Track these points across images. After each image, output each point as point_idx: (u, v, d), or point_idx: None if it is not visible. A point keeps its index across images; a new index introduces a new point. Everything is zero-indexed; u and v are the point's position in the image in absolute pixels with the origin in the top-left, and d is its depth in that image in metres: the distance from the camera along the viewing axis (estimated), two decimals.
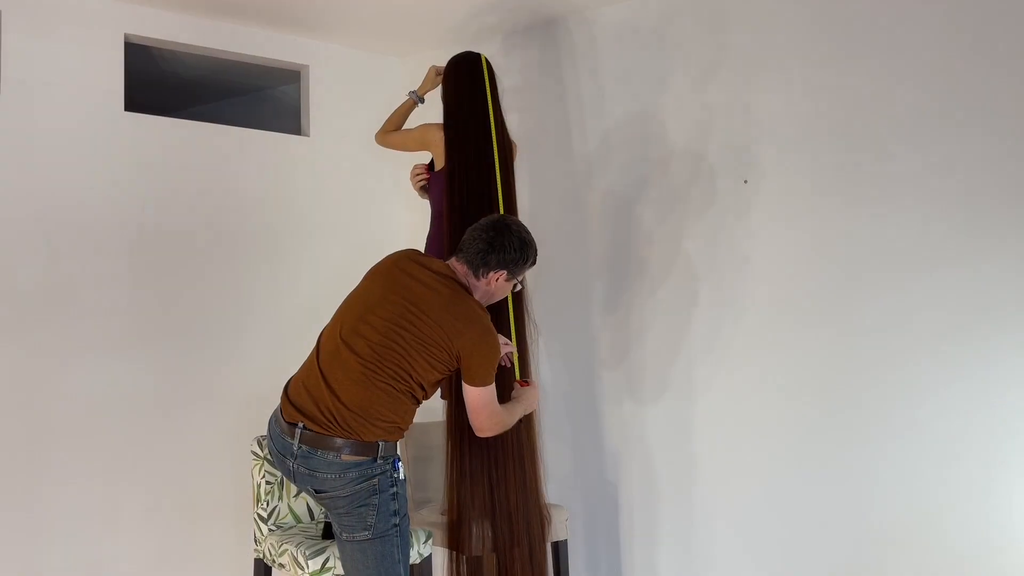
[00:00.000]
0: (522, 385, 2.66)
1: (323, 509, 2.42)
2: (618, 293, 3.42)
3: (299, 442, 2.16)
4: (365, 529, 2.16)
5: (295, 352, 3.51)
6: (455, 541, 2.69)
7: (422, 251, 2.61)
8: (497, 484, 2.71)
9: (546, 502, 2.86)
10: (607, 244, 3.46)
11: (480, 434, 2.38)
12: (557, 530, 2.85)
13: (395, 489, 2.20)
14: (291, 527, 2.65)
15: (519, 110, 3.54)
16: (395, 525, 2.19)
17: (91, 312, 3.13)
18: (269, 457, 2.65)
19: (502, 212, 2.81)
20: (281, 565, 2.49)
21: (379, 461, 2.17)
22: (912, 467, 2.82)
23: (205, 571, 3.29)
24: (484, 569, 2.77)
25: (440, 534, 2.74)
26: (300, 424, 2.17)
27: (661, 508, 3.27)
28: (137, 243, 3.25)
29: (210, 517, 3.32)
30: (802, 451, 3.02)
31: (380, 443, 2.17)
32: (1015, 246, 2.70)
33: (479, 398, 2.30)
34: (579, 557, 3.39)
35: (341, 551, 2.23)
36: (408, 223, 3.78)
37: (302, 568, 2.37)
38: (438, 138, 2.89)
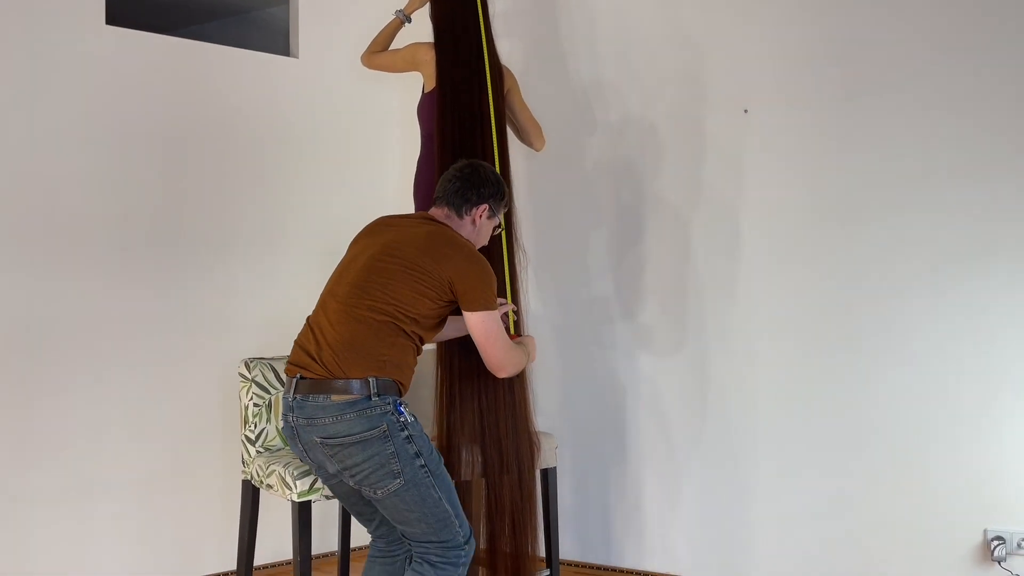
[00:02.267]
0: (517, 340, 2.63)
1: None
2: (612, 226, 3.38)
3: (294, 392, 2.13)
4: (393, 477, 2.08)
5: (284, 276, 3.53)
6: (445, 466, 2.69)
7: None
8: (487, 410, 2.70)
9: (535, 429, 2.86)
10: (602, 176, 3.40)
11: (500, 373, 2.32)
12: (546, 457, 2.85)
13: (407, 432, 2.11)
14: (279, 449, 2.65)
15: (508, 35, 3.44)
16: (422, 467, 2.11)
17: (75, 233, 3.08)
18: (260, 387, 2.64)
19: (495, 135, 2.75)
20: (269, 486, 2.49)
21: (375, 399, 2.08)
22: (904, 401, 2.83)
23: (195, 492, 3.30)
24: (473, 494, 2.78)
25: None
26: (296, 375, 2.16)
27: (650, 439, 3.28)
28: (120, 164, 3.17)
29: (199, 440, 3.32)
30: (797, 383, 3.02)
31: (371, 379, 2.09)
32: (1010, 180, 2.69)
33: (482, 325, 2.22)
34: (567, 485, 3.41)
35: (382, 508, 2.17)
36: (398, 145, 3.72)
37: (290, 488, 2.37)
38: (428, 58, 2.81)
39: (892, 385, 2.85)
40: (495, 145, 2.77)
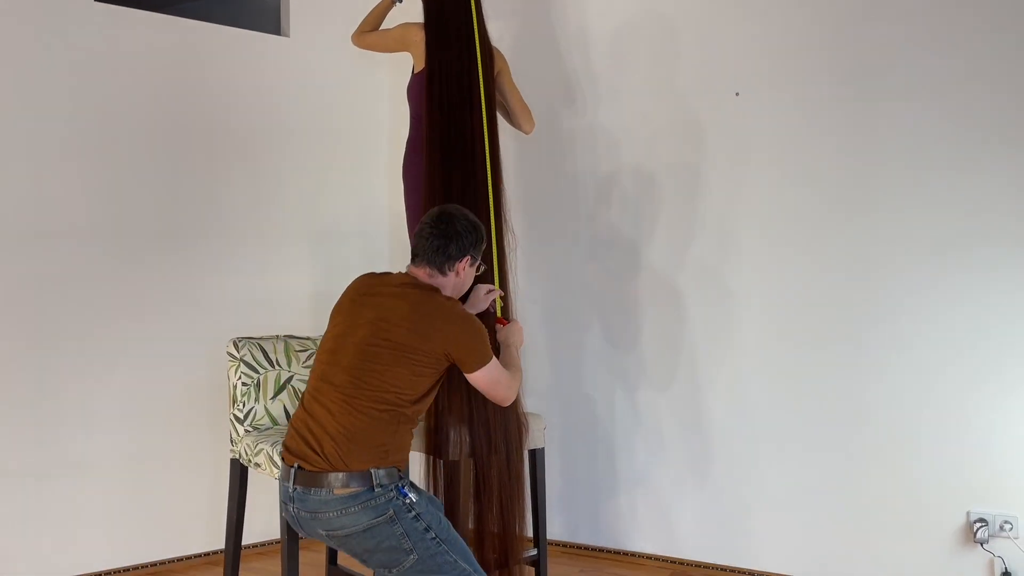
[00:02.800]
0: (503, 324, 2.64)
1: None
2: (604, 207, 3.38)
3: (292, 483, 2.10)
4: (407, 555, 2.08)
5: (275, 255, 3.53)
6: (433, 446, 2.70)
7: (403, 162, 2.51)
8: (475, 391, 2.70)
9: (524, 410, 2.87)
10: (592, 156, 3.39)
11: (506, 403, 2.37)
12: (534, 438, 2.86)
13: (414, 512, 2.10)
14: (267, 428, 2.65)
15: (499, 17, 3.42)
16: (433, 539, 2.10)
17: (62, 214, 3.07)
18: (246, 363, 2.64)
19: (484, 117, 2.74)
20: (257, 465, 2.49)
21: (378, 490, 2.06)
22: (891, 385, 2.85)
23: (185, 472, 3.31)
24: (461, 474, 2.79)
25: (418, 439, 2.74)
26: (295, 465, 2.12)
27: (639, 421, 3.30)
28: (108, 144, 3.16)
29: (190, 420, 3.33)
30: (785, 368, 3.04)
31: (372, 471, 2.07)
32: (1007, 155, 2.69)
33: (486, 377, 2.25)
34: (555, 467, 3.42)
35: None
36: (388, 125, 3.71)
37: (278, 467, 2.37)
38: (418, 38, 2.80)
39: (879, 370, 2.86)
40: (485, 127, 2.77)
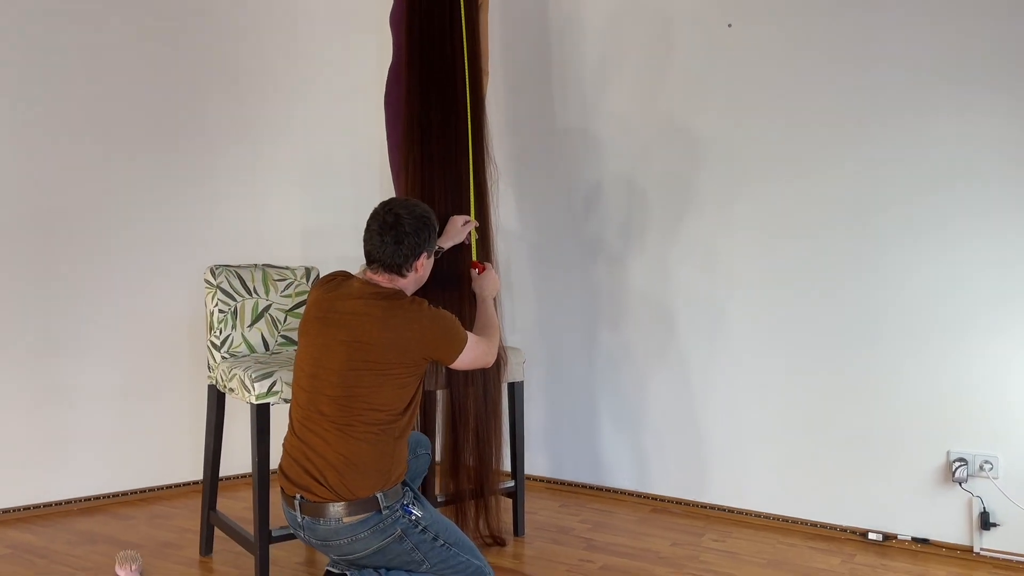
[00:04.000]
0: (480, 270, 2.61)
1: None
2: (590, 140, 3.32)
3: (300, 513, 2.13)
4: (419, 564, 2.16)
5: (264, 190, 3.51)
6: None
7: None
8: (451, 307, 2.70)
9: (502, 344, 2.86)
10: (582, 90, 3.33)
11: (489, 366, 2.41)
12: (513, 371, 2.86)
13: (421, 525, 2.15)
14: (244, 355, 2.66)
15: None
16: (442, 545, 2.17)
17: (51, 146, 3.07)
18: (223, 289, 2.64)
19: (465, 41, 2.69)
20: (231, 390, 2.51)
21: (384, 512, 2.10)
22: (874, 322, 2.81)
23: (172, 403, 3.35)
24: (438, 405, 2.80)
25: None
26: (298, 496, 2.13)
27: (622, 359, 3.29)
28: (96, 73, 3.15)
29: (179, 350, 3.36)
30: (766, 301, 3.00)
31: (378, 495, 2.10)
32: (1000, 98, 2.61)
33: (467, 359, 2.27)
34: (540, 405, 3.43)
35: None
36: (375, 51, 3.66)
37: (248, 391, 2.39)
38: None
39: (862, 310, 2.82)
40: (465, 53, 2.72)
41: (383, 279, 2.21)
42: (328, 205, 3.62)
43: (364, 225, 2.22)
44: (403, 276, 2.21)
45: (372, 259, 2.20)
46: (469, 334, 2.28)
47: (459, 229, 2.63)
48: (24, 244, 3.07)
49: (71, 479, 3.16)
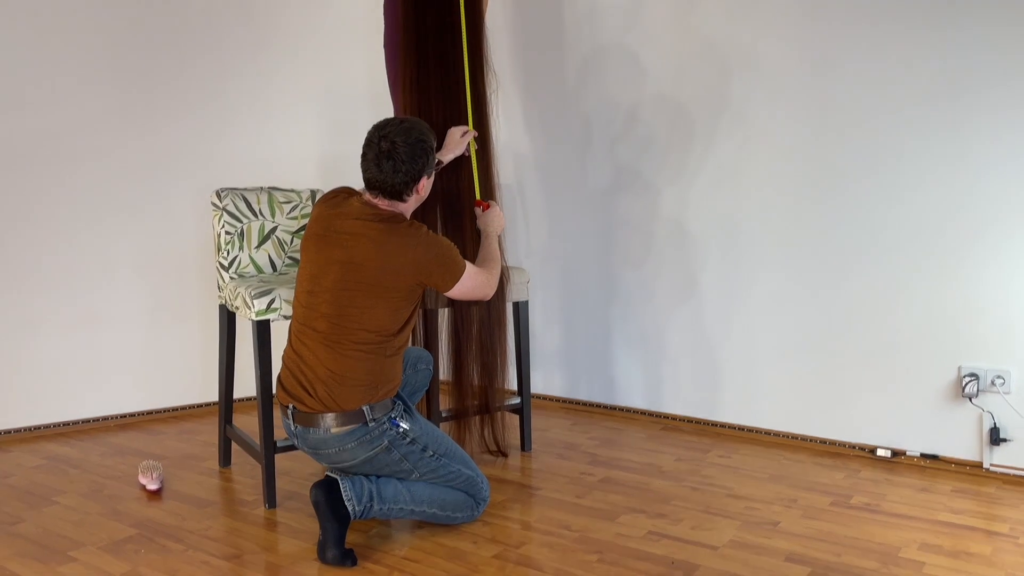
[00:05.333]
0: (484, 208, 2.61)
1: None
2: (599, 50, 3.26)
3: (293, 422, 2.19)
4: (409, 472, 2.21)
5: (270, 116, 3.56)
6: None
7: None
8: (453, 240, 2.72)
9: (505, 264, 2.87)
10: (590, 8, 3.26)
11: (487, 299, 2.39)
12: (517, 291, 2.88)
13: (409, 437, 2.19)
14: (252, 276, 2.74)
15: None
16: (432, 456, 2.22)
17: (71, 72, 3.16)
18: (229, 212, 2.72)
19: None
20: (237, 308, 2.60)
21: (371, 424, 2.15)
22: (887, 238, 2.74)
23: (196, 323, 3.49)
24: (441, 323, 2.85)
25: None
26: (291, 405, 2.19)
27: (636, 280, 3.28)
28: (116, 5, 3.21)
29: (199, 274, 3.48)
30: (779, 219, 2.95)
31: (364, 408, 2.14)
32: (987, 9, 2.47)
33: (464, 288, 2.26)
34: (556, 327, 3.45)
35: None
36: None
37: (250, 308, 2.47)
38: None
39: (874, 224, 2.74)
40: None
41: (383, 203, 2.22)
42: (345, 131, 3.65)
43: None
44: (403, 200, 2.22)
45: (372, 186, 2.21)
46: (468, 264, 2.29)
47: (458, 140, 2.62)
48: (47, 167, 3.19)
49: (108, 398, 3.34)
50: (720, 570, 2.03)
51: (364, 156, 2.20)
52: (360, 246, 2.15)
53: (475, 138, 2.68)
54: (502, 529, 2.29)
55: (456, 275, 2.24)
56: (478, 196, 2.68)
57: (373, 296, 2.15)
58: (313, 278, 2.21)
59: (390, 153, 2.15)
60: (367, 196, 2.24)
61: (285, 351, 2.29)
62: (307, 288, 2.22)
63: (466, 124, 2.69)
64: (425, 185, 2.26)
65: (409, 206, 2.26)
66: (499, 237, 2.62)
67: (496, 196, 2.76)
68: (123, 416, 3.37)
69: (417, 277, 2.18)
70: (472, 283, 2.29)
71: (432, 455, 2.23)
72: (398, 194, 2.19)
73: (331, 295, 2.16)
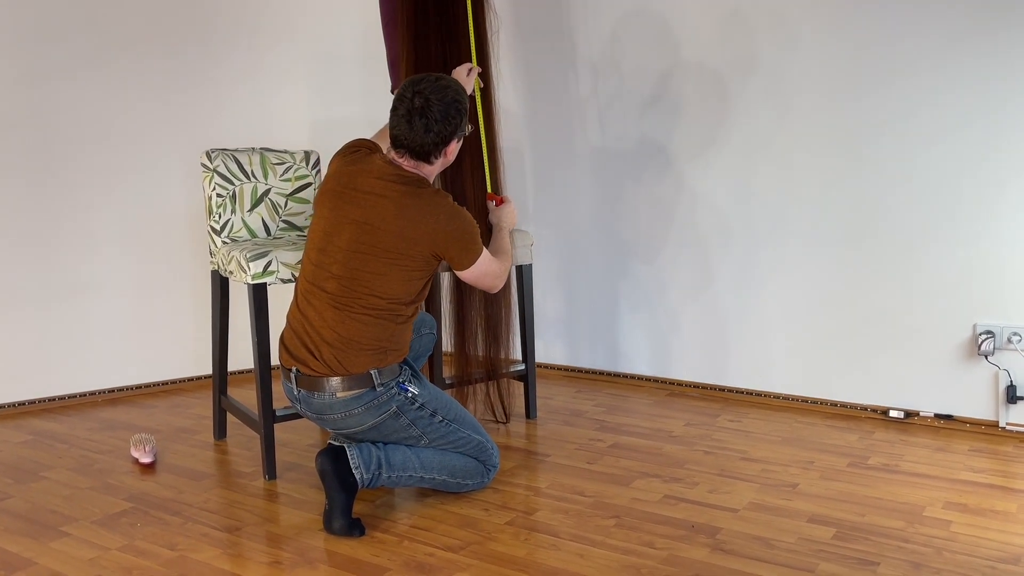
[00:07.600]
0: (497, 203, 2.51)
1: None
2: (613, 12, 3.16)
3: (296, 386, 2.09)
4: (418, 439, 2.12)
5: (262, 81, 3.44)
6: None
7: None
8: (455, 200, 2.63)
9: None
10: None
11: (494, 291, 2.28)
12: (521, 254, 2.79)
13: (418, 402, 2.10)
14: (246, 240, 2.64)
15: None
16: (441, 421, 2.13)
17: (58, 37, 3.03)
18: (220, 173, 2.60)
19: None
20: (231, 272, 2.49)
21: (379, 389, 2.06)
22: (903, 195, 2.67)
23: (187, 293, 3.37)
24: (442, 288, 2.76)
25: None
26: (293, 369, 2.08)
27: (641, 249, 3.20)
28: None
29: (189, 241, 3.36)
30: (793, 178, 2.87)
31: (372, 372, 2.05)
32: None
33: (476, 272, 2.16)
34: (559, 295, 3.37)
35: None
36: None
37: (245, 271, 2.37)
38: None
39: (888, 181, 2.67)
40: None
41: (407, 163, 2.10)
42: (336, 95, 3.54)
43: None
44: (430, 163, 2.11)
45: (399, 144, 2.08)
46: (484, 249, 2.19)
47: (465, 80, 2.51)
48: (29, 138, 3.06)
49: (95, 372, 3.22)
50: (742, 532, 1.96)
51: (394, 110, 2.08)
52: (379, 207, 2.04)
53: (479, 74, 2.58)
54: (513, 496, 2.22)
55: (473, 256, 2.13)
56: (489, 190, 2.58)
57: (388, 262, 2.04)
58: (327, 235, 2.09)
59: (423, 110, 2.04)
60: (392, 155, 2.12)
61: (290, 310, 2.18)
62: (319, 246, 2.11)
63: (468, 61, 2.59)
64: (453, 149, 2.14)
65: (434, 169, 2.15)
66: (511, 233, 2.53)
67: (498, 159, 2.67)
68: (111, 391, 3.26)
69: (433, 247, 2.07)
70: (486, 268, 2.19)
71: (441, 420, 2.14)
72: (426, 155, 2.08)
73: (344, 255, 2.06)
